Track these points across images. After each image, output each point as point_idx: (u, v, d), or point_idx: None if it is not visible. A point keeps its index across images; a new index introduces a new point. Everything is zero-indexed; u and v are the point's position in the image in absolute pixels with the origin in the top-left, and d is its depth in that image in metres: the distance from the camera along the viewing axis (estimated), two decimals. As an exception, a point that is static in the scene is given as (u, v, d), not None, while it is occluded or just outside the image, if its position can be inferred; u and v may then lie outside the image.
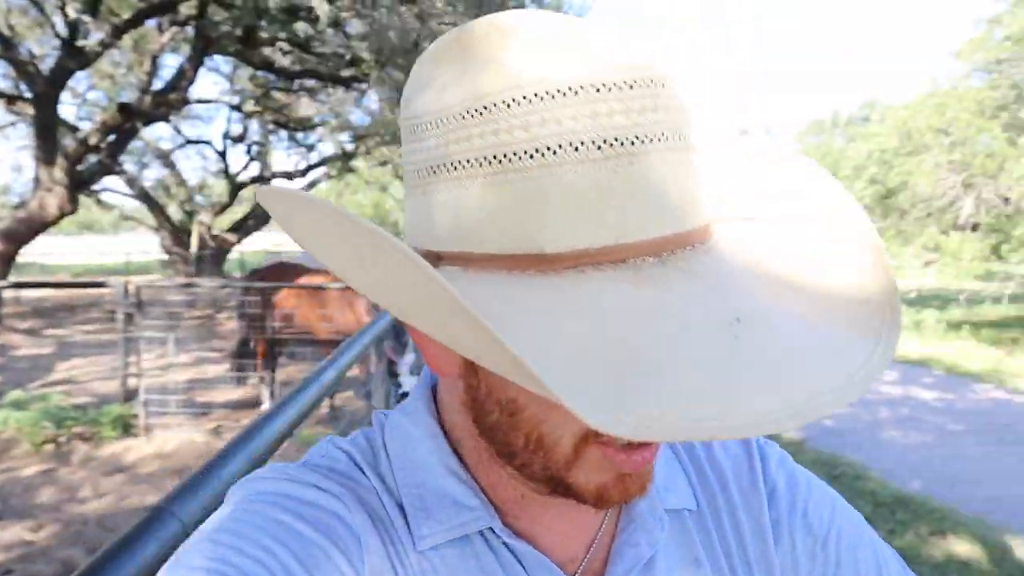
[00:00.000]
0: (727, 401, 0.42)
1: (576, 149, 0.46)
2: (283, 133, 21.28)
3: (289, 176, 21.78)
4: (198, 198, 24.84)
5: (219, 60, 17.54)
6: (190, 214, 23.59)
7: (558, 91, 0.47)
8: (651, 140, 0.48)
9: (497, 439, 0.56)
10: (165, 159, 22.71)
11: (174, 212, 23.54)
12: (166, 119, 16.27)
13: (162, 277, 22.68)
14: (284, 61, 13.63)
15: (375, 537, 0.58)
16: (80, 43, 12.00)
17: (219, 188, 25.23)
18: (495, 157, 0.48)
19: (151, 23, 13.26)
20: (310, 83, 15.05)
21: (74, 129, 15.82)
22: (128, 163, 23.16)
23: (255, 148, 22.30)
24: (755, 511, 0.68)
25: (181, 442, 6.85)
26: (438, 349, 0.56)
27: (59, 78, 12.83)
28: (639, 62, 0.49)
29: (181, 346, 9.28)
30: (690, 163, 0.50)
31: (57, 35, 12.72)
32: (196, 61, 12.29)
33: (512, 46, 0.49)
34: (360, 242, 0.47)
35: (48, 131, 13.43)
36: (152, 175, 24.26)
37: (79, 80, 19.66)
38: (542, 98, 0.47)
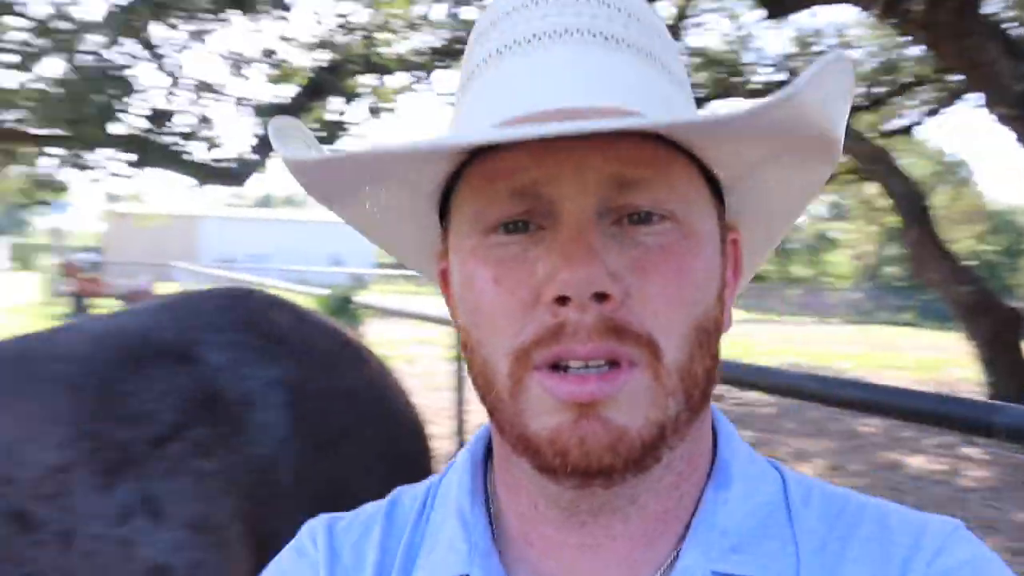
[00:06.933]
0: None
1: (499, 51, 0.57)
2: None
3: None
4: None
5: None
6: None
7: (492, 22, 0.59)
8: (549, 36, 0.55)
9: (476, 388, 0.57)
10: None
11: None
12: None
13: None
14: None
15: None
16: None
17: None
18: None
19: None
20: None
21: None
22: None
23: None
24: None
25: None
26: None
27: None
28: None
29: None
30: (589, 53, 0.55)
31: None
32: None
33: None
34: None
35: None
36: None
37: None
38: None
